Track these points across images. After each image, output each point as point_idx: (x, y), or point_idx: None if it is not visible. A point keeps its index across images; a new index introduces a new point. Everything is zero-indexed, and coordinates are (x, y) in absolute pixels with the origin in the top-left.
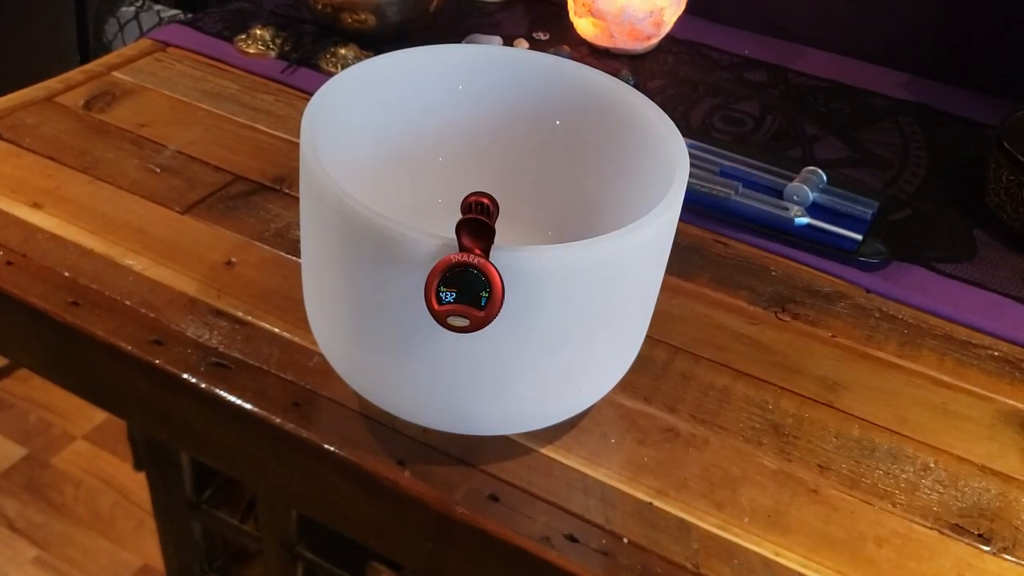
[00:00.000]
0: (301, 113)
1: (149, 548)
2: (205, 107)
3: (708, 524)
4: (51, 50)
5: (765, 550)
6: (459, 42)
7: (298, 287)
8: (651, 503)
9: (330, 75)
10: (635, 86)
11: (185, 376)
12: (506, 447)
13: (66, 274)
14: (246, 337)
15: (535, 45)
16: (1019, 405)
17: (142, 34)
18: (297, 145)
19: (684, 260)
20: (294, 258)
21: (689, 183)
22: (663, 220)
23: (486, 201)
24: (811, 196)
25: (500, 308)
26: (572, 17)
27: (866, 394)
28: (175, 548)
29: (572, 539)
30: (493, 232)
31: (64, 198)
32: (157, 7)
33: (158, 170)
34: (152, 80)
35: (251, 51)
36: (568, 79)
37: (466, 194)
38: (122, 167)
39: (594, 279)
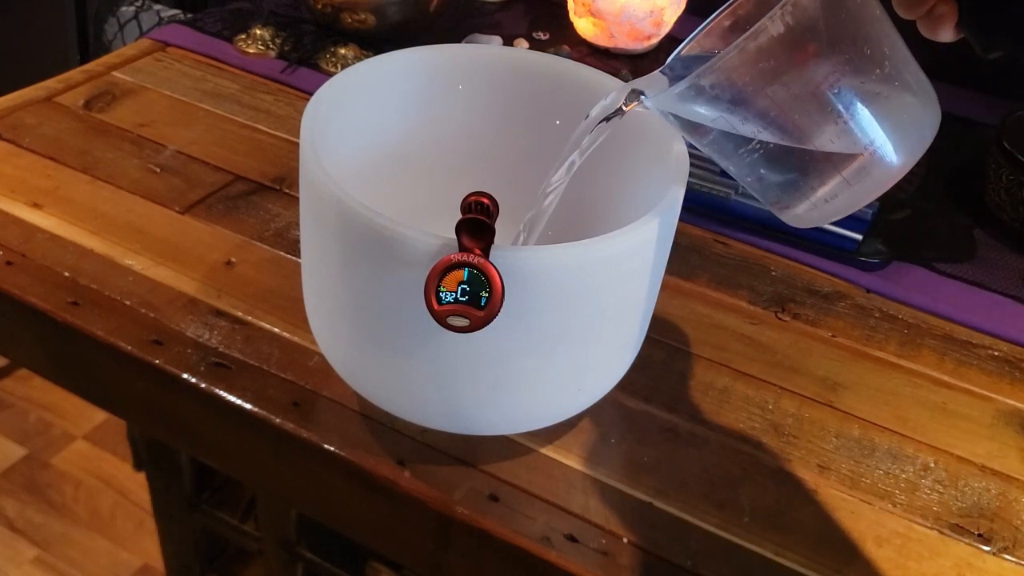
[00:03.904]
0: (301, 113)
1: (149, 548)
2: (205, 107)
3: (708, 524)
4: (51, 50)
5: (765, 550)
6: (459, 42)
7: (298, 287)
8: (651, 503)
9: (330, 75)
10: None
11: (185, 376)
12: (506, 447)
13: (66, 274)
14: (246, 337)
15: (535, 45)
16: (1019, 405)
17: (142, 34)
18: (297, 145)
19: (684, 260)
20: (294, 258)
21: (689, 183)
22: (663, 220)
23: (486, 201)
24: None
25: (500, 308)
26: (572, 17)
27: (866, 394)
28: (175, 548)
29: (572, 539)
30: (493, 232)
31: (64, 198)
32: (157, 7)
33: (158, 170)
34: (152, 80)
35: (251, 51)
36: (568, 79)
37: (466, 194)
38: (122, 167)
39: (594, 279)
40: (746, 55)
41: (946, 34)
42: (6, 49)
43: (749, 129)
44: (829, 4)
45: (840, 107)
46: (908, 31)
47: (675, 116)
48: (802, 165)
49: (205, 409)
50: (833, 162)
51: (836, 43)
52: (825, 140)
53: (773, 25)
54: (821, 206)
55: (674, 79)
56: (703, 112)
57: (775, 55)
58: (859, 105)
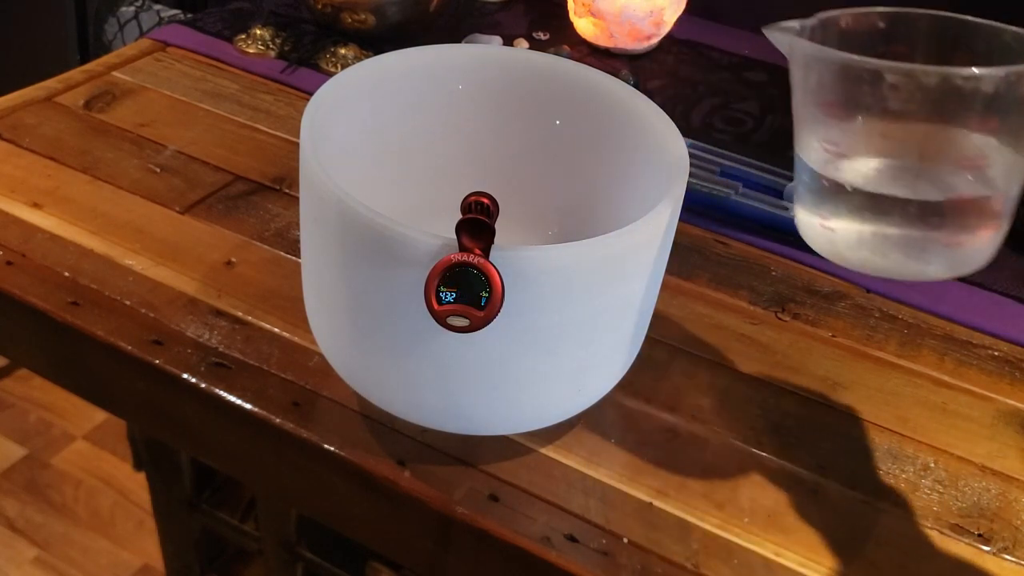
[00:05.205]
0: (301, 113)
1: (149, 548)
2: (205, 107)
3: (708, 524)
4: (51, 50)
5: (765, 550)
6: (459, 42)
7: (298, 287)
8: (651, 503)
9: (330, 75)
10: (635, 86)
11: (185, 376)
12: (506, 447)
13: (66, 274)
14: (246, 337)
15: (535, 45)
16: (1019, 405)
17: (142, 34)
18: (297, 145)
19: (684, 260)
20: (294, 258)
21: (689, 183)
22: (663, 220)
23: (486, 201)
24: None
25: (500, 308)
26: (572, 17)
27: (866, 394)
28: (175, 548)
29: (572, 539)
30: (493, 232)
31: (64, 198)
32: (157, 7)
33: (158, 170)
34: (152, 80)
35: (251, 51)
36: (568, 79)
37: (466, 194)
38: (122, 167)
39: (594, 279)
40: (944, 86)
41: None
42: (6, 49)
43: (870, 142)
44: None
45: (959, 186)
46: None
47: (805, 77)
48: (882, 208)
49: (205, 409)
50: (910, 222)
51: (1009, 135)
52: (921, 194)
53: (987, 82)
54: (858, 249)
55: (812, 37)
56: (843, 96)
57: (963, 104)
58: (971, 195)
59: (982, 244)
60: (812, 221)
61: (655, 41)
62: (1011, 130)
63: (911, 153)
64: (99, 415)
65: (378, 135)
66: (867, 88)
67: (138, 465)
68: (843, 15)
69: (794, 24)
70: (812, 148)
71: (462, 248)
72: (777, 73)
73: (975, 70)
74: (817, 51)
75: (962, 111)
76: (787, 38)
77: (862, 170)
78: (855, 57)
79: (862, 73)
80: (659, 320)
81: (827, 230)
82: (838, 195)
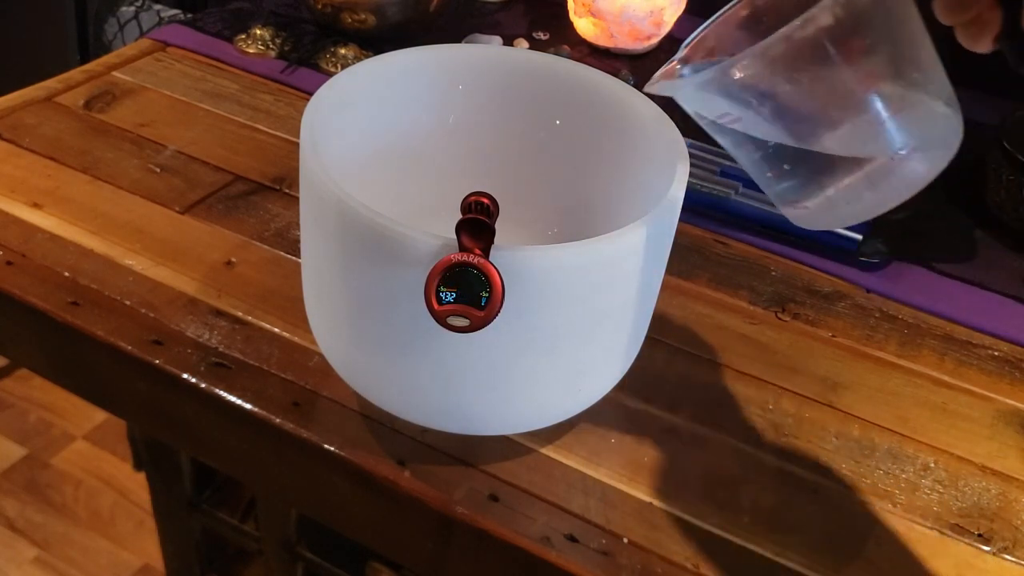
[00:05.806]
0: (301, 113)
1: (149, 548)
2: (205, 107)
3: (708, 524)
4: (51, 50)
5: (765, 550)
6: (459, 42)
7: (298, 287)
8: (651, 503)
9: (330, 75)
10: (635, 86)
11: (185, 376)
12: (506, 447)
13: (66, 274)
14: (246, 337)
15: (535, 45)
16: (1019, 405)
17: (142, 34)
18: (297, 145)
19: (684, 260)
20: (294, 258)
21: (689, 183)
22: (663, 220)
23: (486, 201)
24: None
25: (500, 308)
26: (572, 17)
27: (866, 394)
28: (175, 548)
29: (572, 539)
30: (493, 232)
31: (64, 198)
32: (157, 7)
33: (158, 170)
34: (152, 80)
35: (251, 51)
36: (568, 79)
37: (466, 194)
38: (122, 167)
39: (594, 279)
40: (791, 45)
41: (985, 44)
42: (6, 49)
43: (779, 124)
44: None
45: (876, 109)
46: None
47: (696, 105)
48: (828, 165)
49: (205, 409)
50: (860, 164)
51: (880, 42)
52: (856, 142)
53: (822, 15)
54: (840, 207)
55: (692, 71)
56: (730, 103)
57: (820, 47)
58: (895, 108)
59: (940, 128)
60: (789, 211)
61: (655, 41)
62: (878, 37)
63: (816, 110)
64: (99, 415)
65: (378, 135)
66: (742, 88)
67: (138, 465)
68: (709, 30)
69: (668, 67)
70: (741, 155)
71: (462, 248)
72: None
73: (807, 14)
74: (686, 83)
75: (828, 52)
76: (665, 86)
77: (791, 149)
78: (703, 74)
79: (726, 81)
80: (659, 320)
81: (804, 209)
82: (783, 179)
